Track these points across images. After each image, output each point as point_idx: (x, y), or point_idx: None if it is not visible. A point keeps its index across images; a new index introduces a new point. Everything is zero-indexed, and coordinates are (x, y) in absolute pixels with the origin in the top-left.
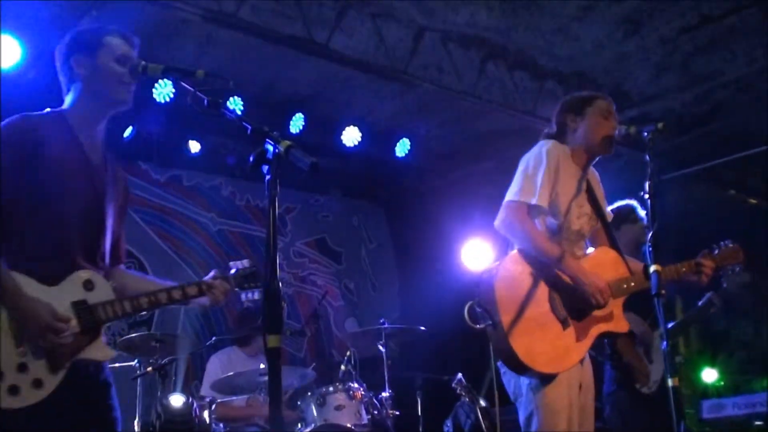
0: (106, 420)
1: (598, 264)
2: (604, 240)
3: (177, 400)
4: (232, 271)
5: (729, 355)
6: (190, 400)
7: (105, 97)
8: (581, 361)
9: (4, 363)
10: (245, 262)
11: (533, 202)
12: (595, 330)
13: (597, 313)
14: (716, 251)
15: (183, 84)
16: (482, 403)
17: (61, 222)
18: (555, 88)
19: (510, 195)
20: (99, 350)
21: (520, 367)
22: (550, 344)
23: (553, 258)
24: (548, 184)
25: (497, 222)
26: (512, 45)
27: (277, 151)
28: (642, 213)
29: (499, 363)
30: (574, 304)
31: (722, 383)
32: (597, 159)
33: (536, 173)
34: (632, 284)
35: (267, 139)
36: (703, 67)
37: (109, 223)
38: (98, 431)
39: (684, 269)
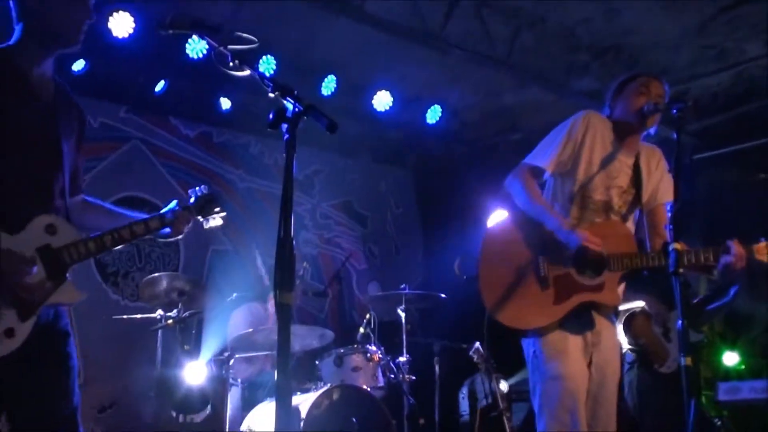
0: (62, 367)
1: (603, 234)
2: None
3: None
4: (192, 199)
5: (751, 339)
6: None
7: (45, 40)
8: (583, 331)
9: None
10: (203, 188)
11: (539, 164)
12: (577, 298)
13: (586, 281)
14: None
15: (208, 40)
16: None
17: (15, 166)
18: (590, 62)
19: (526, 158)
20: (67, 294)
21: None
22: (520, 300)
23: (540, 212)
24: (563, 150)
25: (506, 180)
26: (549, 15)
27: (297, 110)
28: None
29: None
30: (565, 261)
31: (743, 367)
32: (643, 135)
33: (554, 139)
34: (636, 261)
35: (288, 98)
36: (741, 47)
37: (66, 158)
38: (57, 379)
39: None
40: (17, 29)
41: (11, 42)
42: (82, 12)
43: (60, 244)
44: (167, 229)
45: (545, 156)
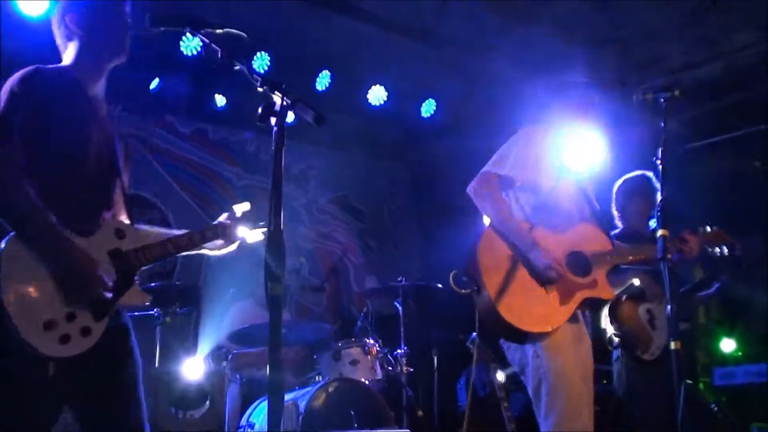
0: (127, 364)
1: (582, 237)
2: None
3: None
4: (238, 213)
5: (748, 325)
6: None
7: (102, 53)
8: (575, 321)
9: (55, 313)
10: (246, 204)
11: (502, 173)
12: (580, 295)
13: (578, 279)
14: (701, 231)
15: (200, 36)
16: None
17: (84, 177)
18: (586, 54)
19: (486, 165)
20: (136, 296)
21: (509, 330)
22: (533, 306)
23: (508, 228)
24: (524, 160)
25: (469, 188)
26: (543, 9)
27: (284, 103)
28: (657, 184)
29: (501, 340)
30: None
31: (740, 353)
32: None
33: (511, 149)
34: (616, 257)
35: (276, 92)
36: (731, 36)
37: (123, 176)
38: (125, 373)
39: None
40: (72, 49)
41: (70, 62)
42: (124, 19)
43: (129, 247)
44: (220, 241)
45: (506, 165)
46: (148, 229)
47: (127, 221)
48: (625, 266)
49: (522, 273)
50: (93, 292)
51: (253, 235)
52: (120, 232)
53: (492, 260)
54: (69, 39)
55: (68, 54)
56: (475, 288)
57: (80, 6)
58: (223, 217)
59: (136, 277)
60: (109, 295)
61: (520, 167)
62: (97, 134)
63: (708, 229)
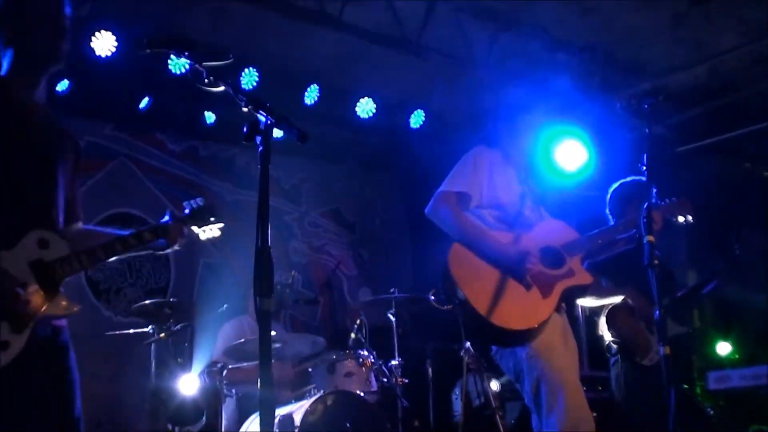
0: (65, 381)
1: (548, 232)
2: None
3: None
4: (186, 210)
5: (744, 327)
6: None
7: (36, 58)
8: (560, 314)
9: None
10: (199, 200)
11: (458, 189)
12: (560, 285)
13: (555, 271)
14: (663, 203)
15: (185, 57)
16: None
17: (8, 186)
18: (569, 60)
19: (441, 187)
20: (60, 306)
21: (500, 334)
22: (517, 305)
23: (473, 236)
24: (479, 177)
25: (426, 209)
26: (528, 16)
27: (269, 122)
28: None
29: (492, 350)
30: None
31: (736, 356)
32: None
33: (465, 167)
34: (586, 242)
35: (260, 111)
36: (715, 39)
37: (61, 182)
38: (58, 393)
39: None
40: (7, 57)
41: (4, 71)
42: (62, 24)
43: (52, 257)
44: (162, 241)
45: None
46: (95, 230)
47: (55, 231)
48: (597, 249)
49: (498, 275)
50: (4, 303)
51: (206, 232)
52: (43, 241)
53: (465, 271)
54: (7, 44)
55: (4, 60)
56: (457, 302)
57: (12, 11)
58: (166, 218)
59: (60, 287)
60: (26, 306)
61: (476, 184)
62: (25, 144)
63: (673, 199)
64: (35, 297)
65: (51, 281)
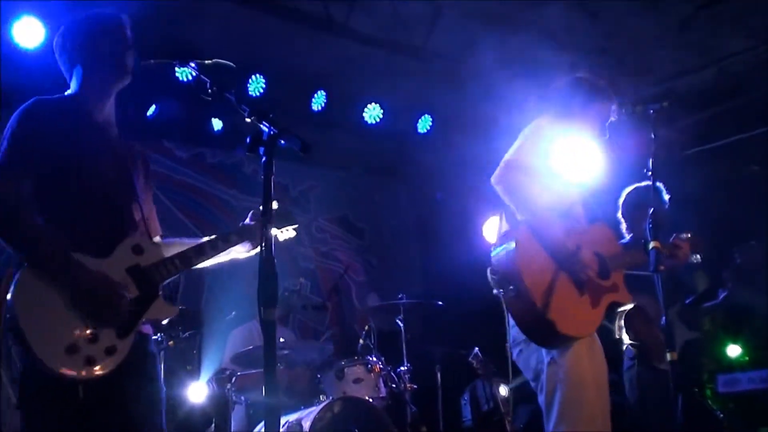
0: (154, 388)
1: (597, 237)
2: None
3: None
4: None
5: (754, 330)
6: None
7: (105, 75)
8: (590, 343)
9: (76, 337)
10: (275, 203)
11: (524, 159)
12: (606, 299)
13: (604, 282)
14: (685, 237)
15: (189, 68)
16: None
17: (98, 197)
18: (579, 64)
19: (508, 154)
20: (161, 310)
21: (547, 333)
22: (574, 308)
23: (541, 223)
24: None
25: (493, 177)
26: (535, 20)
27: (271, 132)
28: (666, 196)
29: (511, 341)
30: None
31: (746, 359)
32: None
33: (526, 138)
34: (627, 260)
35: (263, 121)
36: (723, 43)
37: (140, 193)
38: (149, 398)
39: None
40: (76, 75)
41: (75, 89)
42: (125, 40)
43: (148, 262)
44: (246, 244)
45: (530, 155)
46: (175, 241)
47: (147, 237)
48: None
49: (553, 269)
50: (110, 310)
51: (284, 234)
52: (138, 248)
53: (529, 259)
54: (72, 65)
55: (73, 80)
56: (512, 288)
57: (80, 31)
58: (247, 219)
59: (159, 291)
60: (130, 311)
61: (537, 155)
62: (107, 158)
63: (689, 235)
64: (136, 302)
65: (149, 286)
